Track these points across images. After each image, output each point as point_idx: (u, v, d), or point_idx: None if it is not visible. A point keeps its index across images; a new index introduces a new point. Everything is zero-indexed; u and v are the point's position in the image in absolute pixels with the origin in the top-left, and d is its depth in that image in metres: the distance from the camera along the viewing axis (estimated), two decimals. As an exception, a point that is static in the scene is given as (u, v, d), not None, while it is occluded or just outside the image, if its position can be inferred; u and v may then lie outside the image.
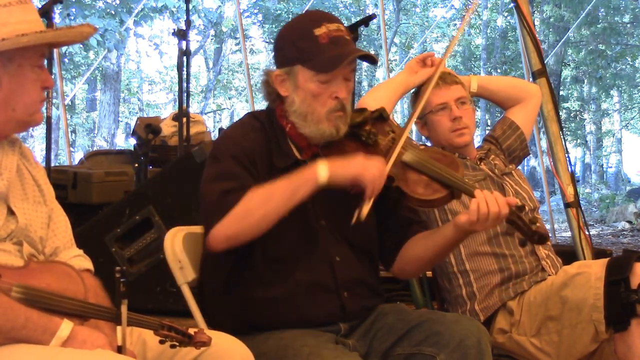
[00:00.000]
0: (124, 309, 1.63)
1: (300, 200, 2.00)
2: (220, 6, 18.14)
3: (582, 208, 3.47)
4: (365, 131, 2.20)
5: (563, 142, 3.52)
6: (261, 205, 1.98)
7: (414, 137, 3.02)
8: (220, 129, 2.34)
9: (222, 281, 2.17)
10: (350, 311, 2.14)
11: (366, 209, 2.00)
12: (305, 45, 2.09)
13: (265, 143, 2.16)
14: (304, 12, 2.33)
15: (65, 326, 1.63)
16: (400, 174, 2.13)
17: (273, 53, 2.23)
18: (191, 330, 1.75)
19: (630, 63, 21.07)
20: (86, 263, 1.94)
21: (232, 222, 1.97)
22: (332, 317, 2.13)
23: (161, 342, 1.72)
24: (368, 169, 1.99)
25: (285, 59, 2.14)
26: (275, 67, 2.18)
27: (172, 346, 1.73)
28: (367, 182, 1.98)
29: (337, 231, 2.11)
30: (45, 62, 1.91)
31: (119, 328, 1.64)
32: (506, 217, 2.06)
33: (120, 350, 1.65)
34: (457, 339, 1.99)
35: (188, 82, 4.90)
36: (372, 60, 2.19)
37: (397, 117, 20.05)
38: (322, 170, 1.99)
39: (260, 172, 2.10)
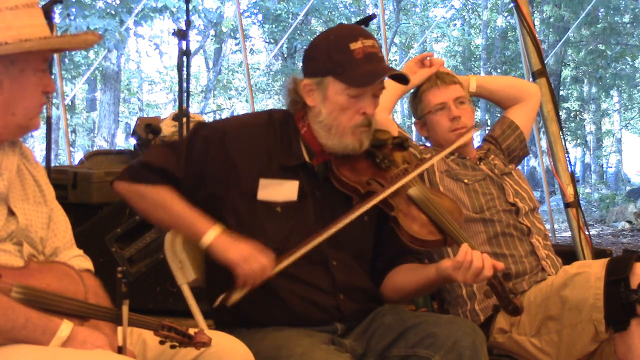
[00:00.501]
0: (124, 309, 1.63)
1: (181, 233, 2.15)
2: (220, 6, 18.13)
3: (582, 208, 3.47)
4: (382, 153, 2.21)
5: (563, 142, 3.52)
6: (153, 203, 2.12)
7: (413, 138, 3.01)
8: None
9: (222, 276, 2.18)
10: (346, 313, 2.15)
11: (235, 296, 2.01)
12: (340, 57, 2.09)
13: (270, 138, 2.18)
14: (339, 25, 2.33)
15: (65, 326, 1.63)
16: (401, 206, 2.14)
17: (303, 62, 2.22)
18: (191, 331, 1.75)
19: (630, 63, 21.06)
20: (86, 263, 1.94)
21: (128, 189, 2.15)
22: (328, 315, 2.13)
23: (161, 342, 1.72)
24: (248, 262, 2.00)
25: (317, 69, 2.14)
26: (302, 76, 2.18)
27: (172, 347, 1.74)
28: (240, 273, 2.00)
29: (335, 239, 2.10)
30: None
31: (119, 328, 1.64)
32: (488, 279, 2.06)
33: (120, 350, 1.65)
34: (451, 340, 2.00)
35: (188, 82, 4.89)
36: (404, 79, 2.18)
37: (397, 117, 20.05)
38: (210, 236, 2.04)
39: (254, 164, 2.13)
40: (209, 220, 2.07)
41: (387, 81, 2.19)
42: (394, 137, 2.29)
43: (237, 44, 20.68)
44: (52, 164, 4.92)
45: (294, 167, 2.16)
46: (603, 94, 22.56)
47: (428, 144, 2.84)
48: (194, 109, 14.98)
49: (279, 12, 19.03)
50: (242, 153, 2.14)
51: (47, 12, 3.84)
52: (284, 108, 2.29)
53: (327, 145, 2.15)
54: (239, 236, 2.06)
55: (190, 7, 5.35)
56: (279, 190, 2.13)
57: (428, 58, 2.81)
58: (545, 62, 4.35)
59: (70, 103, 16.63)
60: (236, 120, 2.26)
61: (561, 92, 19.73)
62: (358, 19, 3.29)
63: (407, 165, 2.24)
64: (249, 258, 2.00)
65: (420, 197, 2.17)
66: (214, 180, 2.14)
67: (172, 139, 5.47)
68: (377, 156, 2.20)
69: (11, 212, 1.80)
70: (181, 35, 4.65)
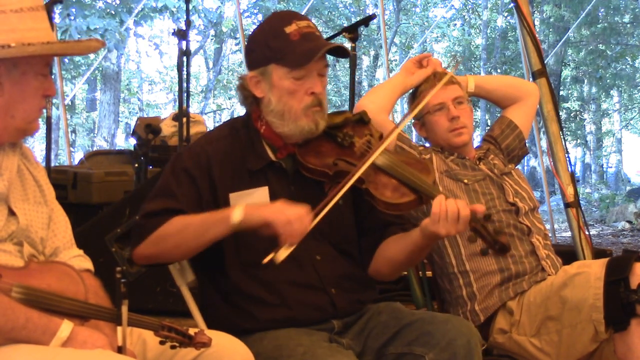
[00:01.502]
0: (124, 309, 1.63)
1: (212, 239, 2.05)
2: (220, 6, 18.13)
3: (582, 208, 3.47)
4: (342, 133, 2.21)
5: (563, 142, 3.52)
6: (174, 234, 2.05)
7: (413, 138, 3.01)
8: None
9: (214, 284, 2.19)
10: (341, 307, 2.15)
11: (282, 254, 1.97)
12: (277, 43, 2.11)
13: (236, 148, 2.18)
14: (271, 13, 2.34)
15: (66, 326, 1.63)
16: (370, 176, 2.14)
17: (245, 57, 2.24)
18: (191, 331, 1.75)
19: (630, 63, 21.05)
20: (86, 263, 1.94)
21: (149, 245, 2.07)
22: (325, 314, 2.13)
23: (161, 342, 1.73)
24: (283, 215, 1.97)
25: (258, 60, 2.15)
26: (248, 72, 2.19)
27: (172, 347, 1.74)
28: (279, 227, 1.97)
29: (316, 231, 2.08)
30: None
31: (119, 328, 1.64)
32: (470, 224, 2.06)
33: (120, 350, 1.65)
34: (446, 338, 2.00)
35: (188, 82, 4.90)
36: (344, 52, 2.18)
37: (397, 117, 20.05)
38: (237, 212, 2.01)
39: (224, 179, 2.13)
40: (228, 208, 2.06)
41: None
42: (352, 114, 2.30)
43: (237, 44, 20.67)
44: (52, 164, 4.93)
45: (262, 169, 2.16)
46: (603, 94, 22.55)
47: (427, 144, 2.84)
48: (194, 109, 14.97)
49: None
50: (215, 169, 2.15)
51: (47, 12, 3.83)
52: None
53: (285, 134, 2.15)
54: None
55: (190, 7, 5.36)
56: (251, 199, 2.11)
57: (426, 59, 2.81)
58: (545, 62, 4.35)
59: (70, 103, 16.63)
60: (203, 140, 2.24)
61: (561, 92, 19.72)
62: (358, 19, 3.29)
63: (370, 137, 2.25)
64: (284, 210, 1.98)
65: (387, 163, 2.17)
66: (208, 205, 2.12)
67: (172, 139, 5.49)
68: (337, 136, 2.21)
69: (12, 213, 1.80)
70: (181, 35, 4.66)
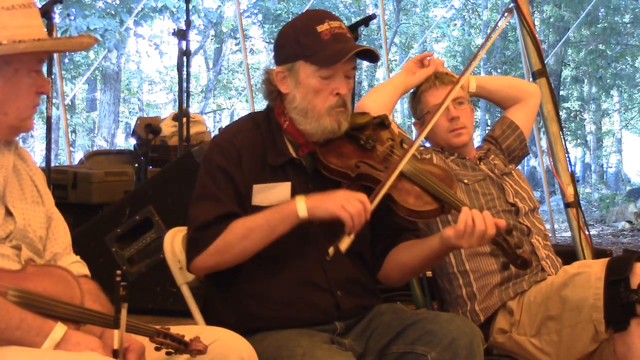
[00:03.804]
0: (123, 312, 1.62)
1: (279, 236, 2.05)
2: (220, 6, 18.13)
3: (582, 208, 3.47)
4: (365, 135, 2.21)
5: (563, 142, 3.52)
6: (240, 240, 2.05)
7: (413, 139, 3.01)
8: (220, 129, 2.34)
9: (217, 281, 2.19)
10: (346, 309, 2.15)
11: (344, 243, 1.99)
12: (307, 41, 2.11)
13: (259, 142, 2.18)
14: (305, 11, 2.34)
15: (59, 328, 1.63)
16: (393, 183, 2.13)
17: (274, 52, 2.24)
18: (187, 338, 1.75)
19: (630, 63, 21.05)
20: (83, 269, 1.94)
21: (211, 256, 2.07)
22: (328, 315, 2.13)
23: (157, 349, 1.72)
24: (348, 205, 1.99)
25: (287, 55, 2.15)
26: (275, 66, 2.19)
27: (168, 353, 1.74)
28: (346, 217, 1.99)
29: (329, 231, 2.09)
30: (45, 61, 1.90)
31: (115, 332, 1.63)
32: (492, 239, 2.06)
33: (116, 354, 1.64)
34: (449, 338, 2.00)
35: (188, 82, 4.90)
36: (374, 56, 2.18)
37: (397, 117, 20.04)
38: (301, 206, 2.02)
39: (250, 171, 2.13)
40: (284, 205, 2.06)
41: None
42: (373, 117, 2.29)
43: (237, 44, 20.66)
44: (52, 164, 4.91)
45: (283, 165, 2.16)
46: (603, 94, 22.54)
47: (428, 144, 2.84)
48: (194, 109, 14.97)
49: (279, 12, 19.02)
50: (245, 160, 2.15)
51: (47, 12, 3.84)
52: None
53: (307, 132, 2.16)
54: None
55: (190, 7, 5.36)
56: (272, 194, 2.12)
57: (428, 58, 2.81)
58: (545, 62, 4.35)
59: (70, 103, 16.63)
60: (228, 133, 2.24)
61: (561, 92, 19.72)
62: (358, 19, 3.29)
63: (392, 142, 2.25)
64: (346, 200, 2.00)
65: (411, 170, 2.17)
66: (244, 196, 2.13)
67: (172, 139, 5.49)
68: (360, 138, 2.21)
69: (9, 213, 1.80)
70: (181, 35, 4.66)
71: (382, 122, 2.29)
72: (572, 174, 3.52)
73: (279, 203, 2.10)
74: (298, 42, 2.12)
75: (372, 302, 2.23)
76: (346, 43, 2.12)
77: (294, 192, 2.13)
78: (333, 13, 2.26)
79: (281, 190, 2.13)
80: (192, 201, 2.15)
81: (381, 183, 2.11)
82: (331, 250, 1.99)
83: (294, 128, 2.17)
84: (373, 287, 2.26)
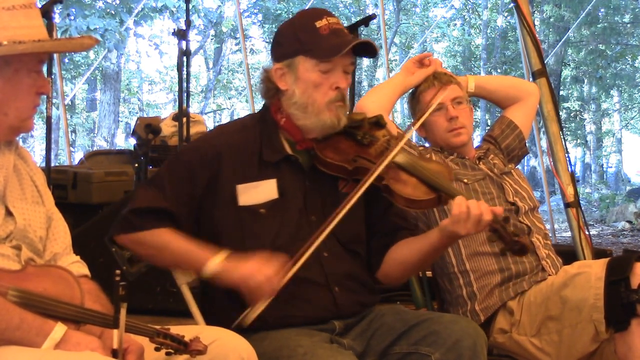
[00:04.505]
0: (122, 312, 1.62)
1: (184, 269, 2.15)
2: (220, 6, 18.14)
3: (582, 208, 3.47)
4: (362, 131, 2.22)
5: (563, 142, 3.52)
6: (152, 247, 2.12)
7: (413, 138, 3.01)
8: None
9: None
10: (343, 306, 2.15)
11: (251, 316, 1.99)
12: (306, 36, 2.12)
13: (251, 141, 2.18)
14: (302, 9, 2.36)
15: (59, 328, 1.63)
16: (390, 173, 2.14)
17: (271, 50, 2.25)
18: (187, 338, 1.75)
19: (630, 63, 21.05)
20: (83, 269, 1.94)
21: (129, 241, 2.16)
22: (326, 312, 2.13)
23: (156, 349, 1.72)
24: (253, 278, 1.98)
25: (286, 51, 2.16)
26: (273, 64, 2.19)
27: (168, 353, 1.74)
28: (246, 291, 1.99)
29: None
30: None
31: (115, 332, 1.63)
32: (489, 225, 2.07)
33: (115, 354, 1.64)
34: (453, 339, 2.00)
35: (188, 82, 4.90)
36: (373, 51, 2.18)
37: (397, 117, 20.04)
38: (211, 264, 2.03)
39: (235, 171, 2.14)
40: (210, 250, 2.06)
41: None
42: (368, 117, 2.31)
43: (237, 44, 20.66)
44: (52, 164, 4.92)
45: (277, 162, 2.16)
46: (603, 94, 22.54)
47: (427, 145, 2.84)
48: (194, 109, 14.97)
49: (279, 12, 19.02)
50: (225, 161, 2.15)
51: (47, 12, 3.84)
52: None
53: (306, 127, 2.16)
54: (243, 255, 2.03)
55: (190, 7, 5.36)
56: (258, 192, 2.13)
57: (427, 58, 2.81)
58: (545, 62, 4.35)
59: (70, 103, 16.63)
60: (212, 133, 2.27)
61: (561, 92, 19.72)
62: (358, 19, 3.29)
63: (389, 137, 2.26)
64: (253, 274, 1.98)
65: (408, 161, 2.18)
66: (204, 198, 2.14)
67: (172, 139, 5.49)
68: (357, 134, 2.22)
69: (9, 213, 1.80)
70: (181, 35, 4.66)
71: (378, 122, 2.30)
72: (572, 174, 3.53)
73: (266, 201, 2.12)
74: (297, 38, 2.14)
75: (369, 299, 2.23)
76: (345, 37, 2.14)
77: (286, 190, 2.14)
78: (332, 12, 2.27)
79: (266, 187, 2.14)
80: (143, 181, 2.19)
81: (371, 170, 2.11)
82: (236, 323, 2.00)
83: (291, 124, 2.18)
84: (370, 284, 2.26)
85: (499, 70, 19.82)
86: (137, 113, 22.24)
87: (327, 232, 2.05)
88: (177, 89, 4.81)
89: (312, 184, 2.17)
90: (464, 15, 22.43)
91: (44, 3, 3.92)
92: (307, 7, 13.76)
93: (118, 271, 1.60)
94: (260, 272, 1.98)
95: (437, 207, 2.36)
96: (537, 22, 17.91)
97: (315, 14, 2.17)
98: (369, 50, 2.17)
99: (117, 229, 2.17)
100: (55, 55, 5.21)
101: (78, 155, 14.19)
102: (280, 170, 2.17)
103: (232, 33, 19.99)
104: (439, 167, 2.27)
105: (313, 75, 2.12)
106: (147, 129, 4.98)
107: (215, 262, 2.03)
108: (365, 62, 21.32)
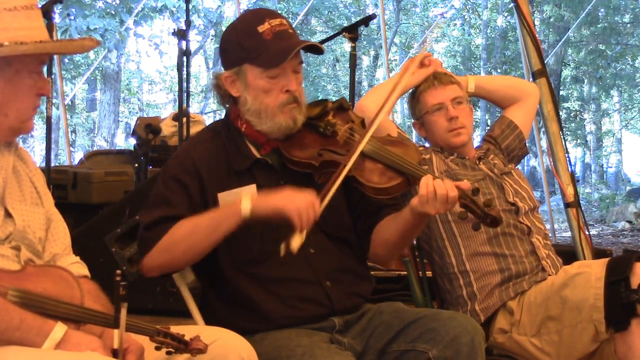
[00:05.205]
0: (123, 312, 1.62)
1: (224, 234, 2.05)
2: (220, 6, 18.14)
3: (582, 208, 3.47)
4: (324, 122, 2.22)
5: (563, 142, 3.52)
6: (185, 238, 2.06)
7: (413, 139, 3.02)
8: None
9: (213, 284, 2.20)
10: (338, 299, 2.15)
11: (296, 242, 1.97)
12: (249, 43, 2.12)
13: (221, 150, 2.19)
14: (244, 11, 2.33)
15: (59, 328, 1.63)
16: (355, 164, 2.14)
17: (220, 56, 2.25)
18: (188, 337, 1.75)
19: (630, 63, 21.05)
20: (83, 270, 1.94)
21: (159, 254, 2.08)
22: (321, 307, 2.13)
23: (157, 348, 1.73)
24: (293, 202, 1.98)
25: (232, 60, 2.16)
26: (223, 70, 2.20)
27: (168, 353, 1.74)
28: (292, 214, 1.97)
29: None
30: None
31: (115, 331, 1.63)
32: (459, 200, 2.08)
33: (116, 353, 1.64)
34: (451, 335, 2.00)
35: (188, 82, 4.90)
36: (318, 50, 2.20)
37: (397, 117, 20.05)
38: (245, 204, 2.02)
39: (212, 181, 2.14)
40: (232, 204, 2.05)
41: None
42: (332, 102, 2.30)
43: (237, 44, 20.64)
44: (52, 164, 4.92)
45: (249, 168, 2.17)
46: (603, 94, 22.54)
47: (427, 145, 2.84)
48: (194, 109, 14.96)
49: (279, 12, 19.00)
50: (203, 171, 2.16)
51: (47, 12, 3.84)
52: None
53: (265, 131, 2.17)
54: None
55: (190, 7, 5.36)
56: (238, 198, 2.11)
57: (427, 58, 2.81)
58: (545, 62, 4.35)
59: (70, 103, 16.62)
60: (186, 146, 2.27)
61: (561, 92, 19.72)
62: (358, 19, 3.30)
63: (352, 124, 2.25)
64: (293, 197, 1.99)
65: (371, 148, 2.18)
66: (201, 206, 2.13)
67: (172, 139, 5.49)
68: (319, 126, 2.22)
69: (8, 214, 1.80)
70: (181, 35, 4.66)
71: (341, 105, 2.30)
72: (572, 174, 3.53)
73: None
74: (240, 45, 2.13)
75: (363, 288, 2.23)
76: (289, 40, 2.13)
77: (267, 191, 2.12)
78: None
79: (246, 193, 2.12)
80: (143, 209, 2.17)
81: (340, 167, 2.11)
82: (282, 248, 1.97)
83: (251, 129, 2.19)
84: (364, 272, 2.27)
85: (499, 70, 19.82)
86: (137, 113, 22.24)
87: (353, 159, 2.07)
88: (177, 89, 4.82)
89: (287, 182, 2.17)
90: (464, 15, 22.43)
91: (44, 3, 3.93)
92: (306, 8, 13.76)
93: (118, 271, 1.61)
94: (299, 195, 2.00)
95: (407, 189, 2.36)
96: (537, 22, 17.91)
97: (257, 17, 2.15)
98: (315, 48, 2.19)
99: (142, 252, 2.12)
100: (56, 56, 5.21)
101: (78, 155, 14.19)
102: (253, 175, 2.17)
103: (232, 33, 19.96)
104: (403, 148, 2.25)
105: (261, 82, 2.12)
106: (147, 129, 4.99)
107: (247, 202, 2.02)
108: (365, 62, 21.34)
